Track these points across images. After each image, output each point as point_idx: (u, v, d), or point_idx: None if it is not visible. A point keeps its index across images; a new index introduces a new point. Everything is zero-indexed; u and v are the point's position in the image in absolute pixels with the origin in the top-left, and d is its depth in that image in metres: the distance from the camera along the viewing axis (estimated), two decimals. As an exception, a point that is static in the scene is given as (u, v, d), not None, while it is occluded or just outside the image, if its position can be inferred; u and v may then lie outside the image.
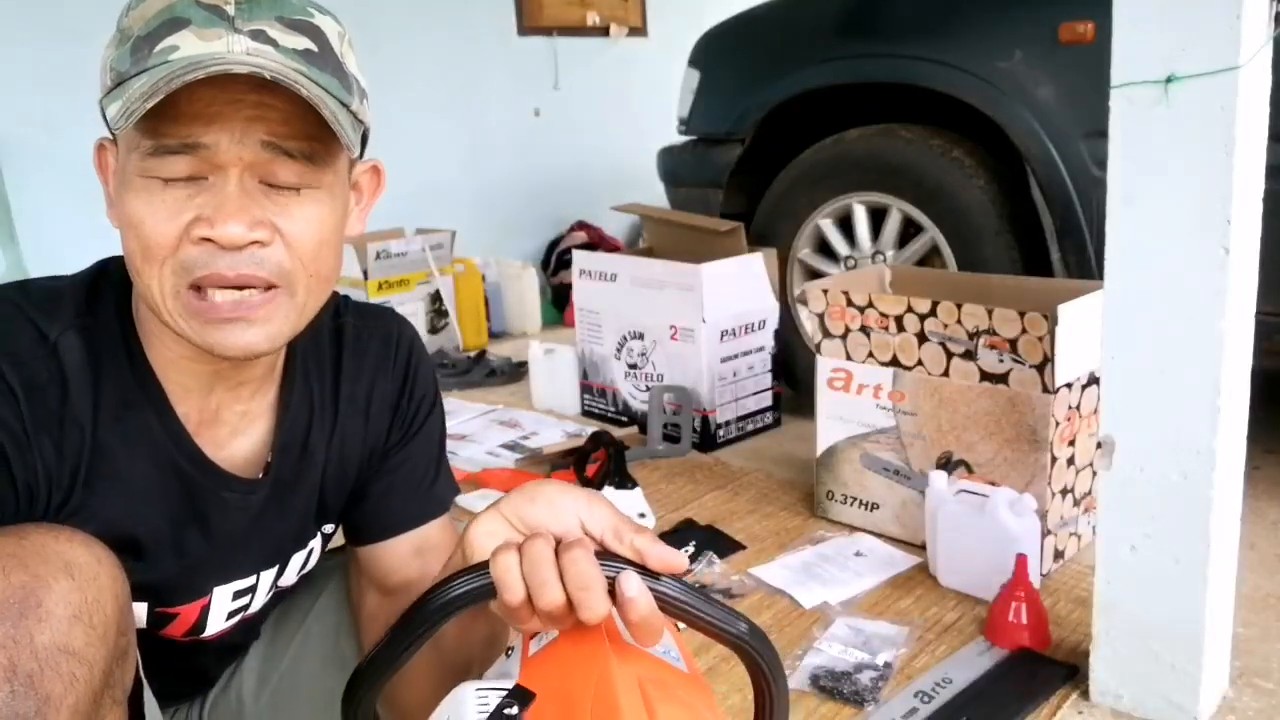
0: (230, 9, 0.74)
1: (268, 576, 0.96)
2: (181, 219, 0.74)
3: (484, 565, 0.67)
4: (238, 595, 0.94)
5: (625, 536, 0.67)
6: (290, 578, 0.99)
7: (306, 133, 0.76)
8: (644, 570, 0.66)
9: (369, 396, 0.97)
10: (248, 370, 0.86)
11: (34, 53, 3.41)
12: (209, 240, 0.74)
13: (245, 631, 1.03)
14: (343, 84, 0.79)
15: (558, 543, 0.66)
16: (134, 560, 0.82)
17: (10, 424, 0.75)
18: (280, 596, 1.01)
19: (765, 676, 0.69)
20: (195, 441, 0.86)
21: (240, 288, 0.76)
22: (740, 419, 2.74)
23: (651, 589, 0.65)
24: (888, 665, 1.62)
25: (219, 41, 0.73)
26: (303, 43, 0.77)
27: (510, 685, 0.67)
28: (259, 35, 0.75)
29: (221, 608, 0.93)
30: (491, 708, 0.65)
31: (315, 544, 1.00)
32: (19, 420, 0.76)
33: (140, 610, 0.86)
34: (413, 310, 3.81)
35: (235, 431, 0.89)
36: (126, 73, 0.74)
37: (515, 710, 0.63)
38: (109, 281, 0.85)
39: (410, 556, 0.99)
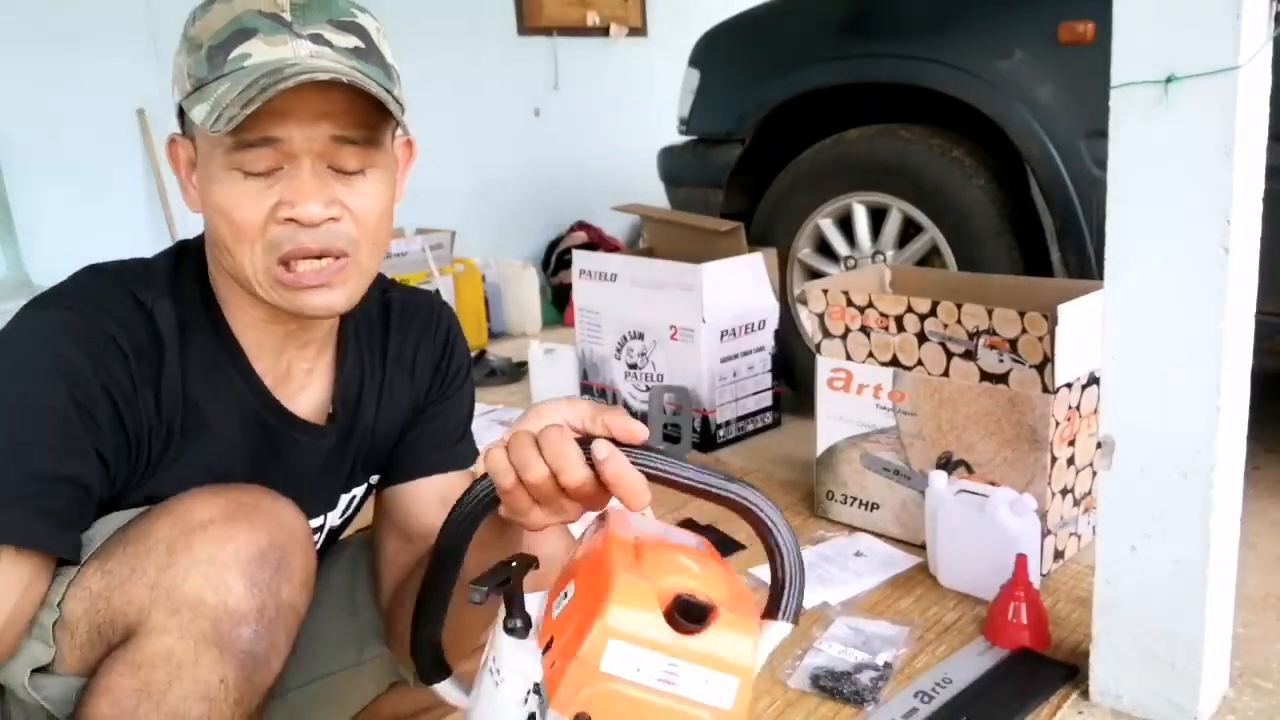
0: (287, 15, 0.86)
1: (333, 519, 1.08)
2: (266, 204, 0.87)
3: (485, 476, 0.75)
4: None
5: (596, 420, 0.75)
6: (336, 519, 1.10)
7: (364, 121, 0.88)
8: (627, 447, 0.72)
9: (414, 358, 1.10)
10: (314, 330, 1.00)
11: (34, 53, 3.41)
12: (292, 220, 0.87)
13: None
14: (386, 74, 0.91)
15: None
16: (205, 479, 0.92)
17: (122, 382, 0.88)
18: (331, 541, 1.13)
19: (760, 519, 0.72)
20: (273, 393, 0.99)
21: (319, 257, 0.89)
22: (740, 419, 2.74)
23: (634, 462, 0.71)
24: (888, 665, 1.62)
25: (285, 47, 0.85)
26: (352, 41, 0.88)
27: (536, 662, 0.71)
28: (317, 39, 0.86)
29: None
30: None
31: (360, 490, 1.11)
32: (130, 378, 0.89)
33: None
34: (413, 310, 3.81)
35: (302, 386, 1.02)
36: (205, 78, 0.85)
37: (510, 581, 0.69)
38: (190, 258, 0.98)
39: (434, 503, 1.08)
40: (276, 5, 0.86)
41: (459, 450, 1.14)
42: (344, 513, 1.13)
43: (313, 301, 0.91)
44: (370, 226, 0.92)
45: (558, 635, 0.65)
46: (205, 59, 0.85)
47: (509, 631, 0.69)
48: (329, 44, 0.87)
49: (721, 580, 0.67)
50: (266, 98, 0.81)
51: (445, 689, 0.84)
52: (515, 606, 0.69)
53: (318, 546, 1.06)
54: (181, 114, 0.90)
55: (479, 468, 0.78)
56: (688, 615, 0.60)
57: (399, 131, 0.98)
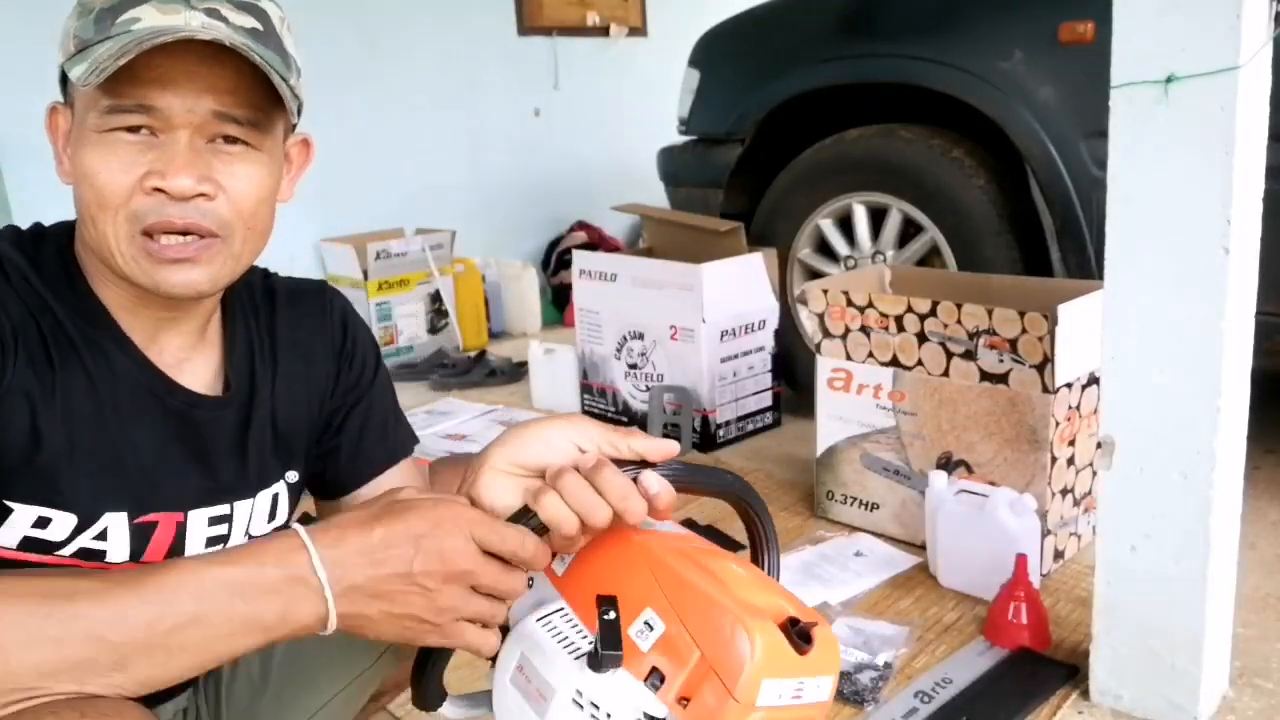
0: None
1: (242, 510, 0.99)
2: (135, 171, 0.83)
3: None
4: (214, 522, 0.97)
5: (621, 444, 0.76)
6: (261, 524, 1.02)
7: (252, 101, 0.85)
8: (650, 464, 0.76)
9: (309, 345, 1.05)
10: (188, 315, 0.94)
11: (35, 53, 3.41)
12: (160, 191, 0.83)
13: None
14: (284, 61, 0.88)
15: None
16: (111, 466, 0.88)
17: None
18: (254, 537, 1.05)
19: (752, 511, 0.83)
20: (158, 366, 0.93)
21: (185, 233, 0.85)
22: (740, 419, 2.74)
23: (664, 476, 0.75)
24: (888, 665, 1.61)
25: (177, 16, 0.82)
26: (250, 22, 0.86)
27: (561, 606, 0.76)
28: (213, 13, 0.84)
29: (199, 532, 0.96)
30: (564, 632, 0.74)
31: (280, 490, 1.04)
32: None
33: (119, 528, 0.89)
34: (413, 310, 3.81)
35: (184, 365, 0.96)
36: (90, 40, 0.82)
37: (613, 615, 0.71)
38: (49, 234, 0.93)
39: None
40: None
41: (399, 438, 1.11)
42: (270, 515, 1.04)
43: (172, 278, 0.86)
44: (246, 210, 0.88)
45: (670, 671, 0.68)
46: (93, 22, 0.82)
47: (599, 666, 0.70)
48: (225, 20, 0.84)
49: (767, 579, 0.77)
50: (142, 49, 0.78)
51: (449, 709, 0.84)
52: (610, 639, 0.70)
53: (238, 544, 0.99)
54: (65, 81, 0.86)
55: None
56: (801, 637, 0.67)
57: (295, 129, 0.95)
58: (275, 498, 1.03)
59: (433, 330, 3.87)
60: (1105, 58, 1.34)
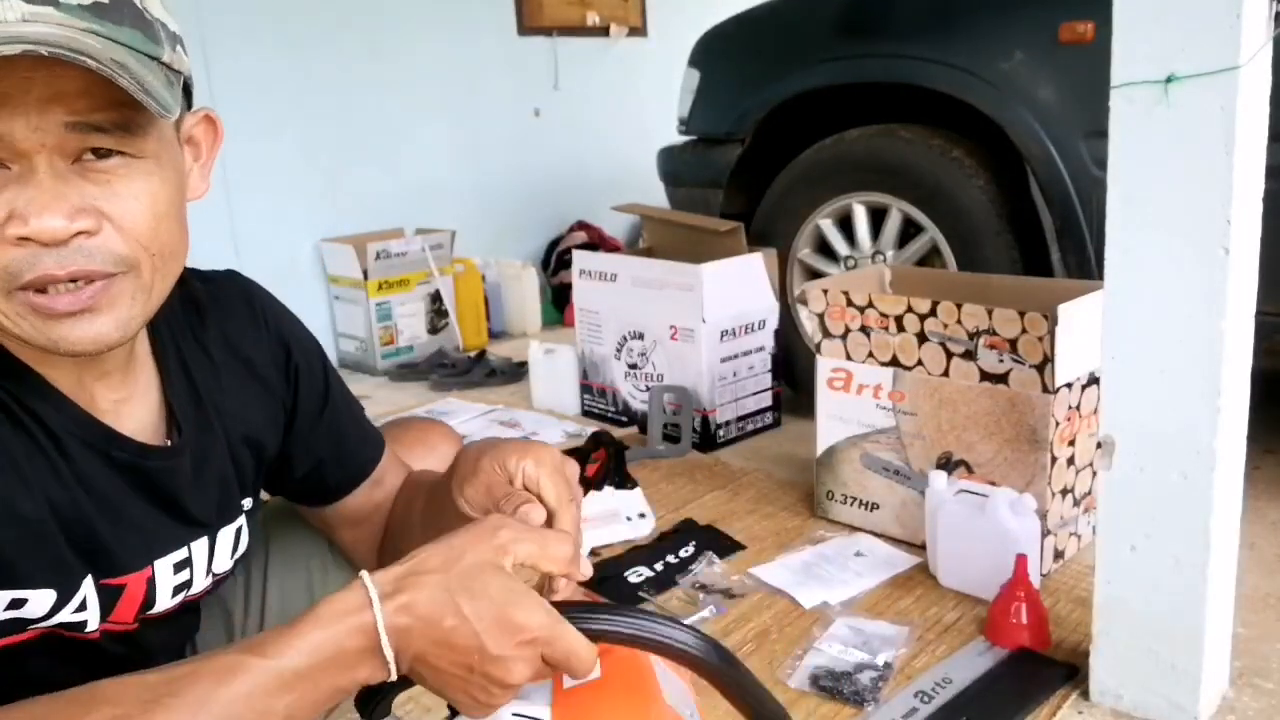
0: None
1: (200, 549, 0.93)
2: None
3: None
4: (178, 568, 0.91)
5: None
6: (224, 560, 0.97)
7: (114, 100, 0.67)
8: (596, 606, 0.73)
9: (249, 355, 0.95)
10: (108, 358, 0.80)
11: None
12: (27, 239, 0.67)
13: (190, 615, 1.02)
14: (147, 34, 0.69)
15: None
16: (77, 534, 0.80)
17: None
18: (219, 582, 1.00)
19: (718, 679, 0.73)
20: (98, 418, 0.81)
21: (74, 280, 0.69)
22: (740, 419, 2.74)
23: (592, 629, 0.71)
24: (888, 665, 1.61)
25: None
26: None
27: (545, 713, 0.72)
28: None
29: (166, 581, 0.90)
30: None
31: (242, 522, 0.98)
32: None
33: (88, 591, 0.83)
34: (413, 310, 3.81)
35: (118, 413, 0.83)
36: None
37: None
38: None
39: (370, 490, 1.06)
40: None
41: (373, 433, 1.08)
42: (234, 553, 0.97)
43: (72, 334, 0.70)
44: (143, 235, 0.71)
45: None
46: None
47: None
48: (54, 2, 0.65)
49: None
50: None
51: None
52: None
53: (202, 585, 0.95)
54: None
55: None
56: None
57: (190, 108, 0.78)
58: (238, 530, 0.98)
59: (433, 330, 3.87)
60: (1105, 58, 1.34)
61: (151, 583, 0.88)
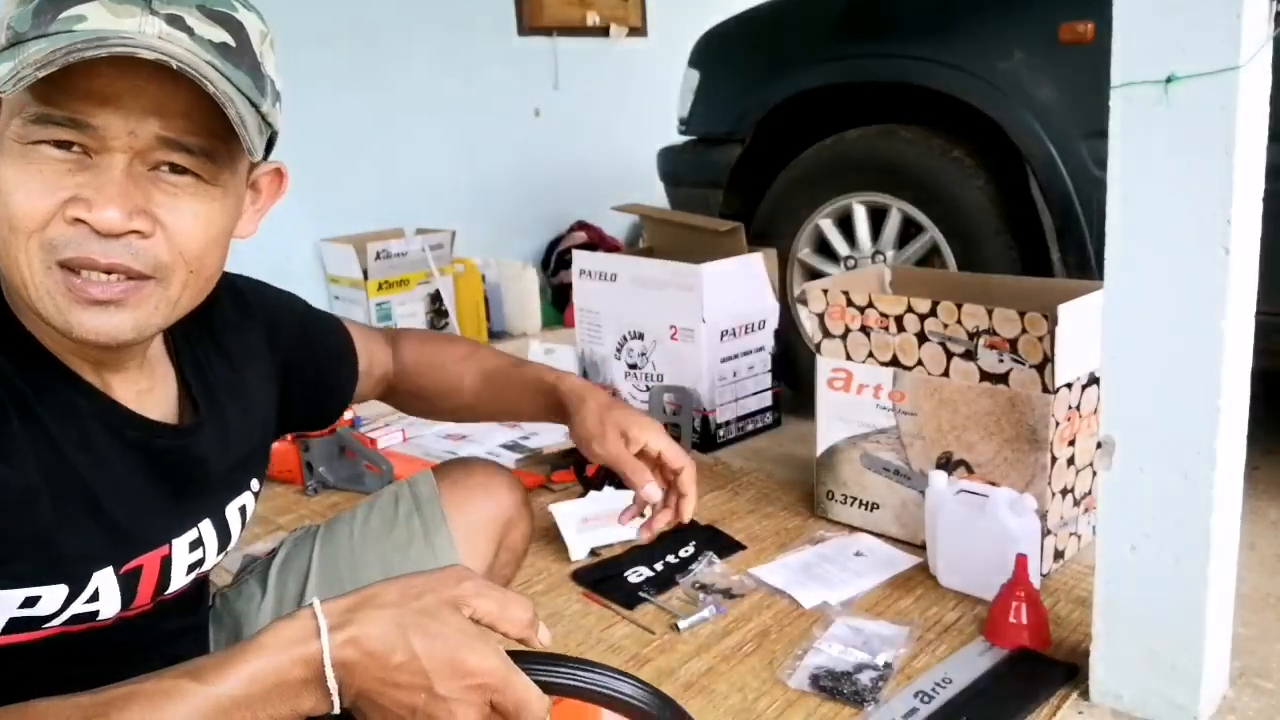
0: None
1: (209, 528, 0.96)
2: (58, 195, 0.71)
3: None
4: (193, 546, 0.94)
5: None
6: (234, 535, 1.00)
7: (208, 128, 0.74)
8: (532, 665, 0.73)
9: (246, 343, 1.02)
10: (124, 355, 0.84)
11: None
12: (82, 222, 0.71)
13: (199, 590, 1.04)
14: (256, 83, 0.77)
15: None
16: (93, 517, 0.81)
17: None
18: (224, 551, 1.02)
19: None
20: (113, 399, 0.84)
21: (109, 272, 0.74)
22: (740, 419, 2.74)
23: (547, 682, 0.72)
24: (888, 665, 1.61)
25: (130, 20, 0.70)
26: (220, 35, 0.74)
27: None
28: (175, 21, 0.72)
29: (181, 560, 0.92)
30: None
31: (247, 500, 1.02)
32: None
33: (108, 583, 0.84)
34: (413, 310, 3.81)
35: (143, 404, 0.87)
36: (25, 34, 0.70)
37: None
38: None
39: (363, 384, 1.21)
40: None
41: (346, 341, 1.19)
42: (241, 525, 1.01)
43: (89, 321, 0.74)
44: (189, 253, 0.76)
45: None
46: (32, 13, 0.70)
47: None
48: (189, 30, 0.72)
49: None
50: (68, 61, 0.66)
51: None
52: None
53: (212, 560, 0.97)
54: None
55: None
56: None
57: (267, 158, 0.84)
58: (242, 509, 1.01)
59: (433, 330, 3.87)
60: (1105, 58, 1.34)
61: (167, 561, 0.90)
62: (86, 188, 0.71)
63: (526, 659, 0.71)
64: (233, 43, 0.75)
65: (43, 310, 0.74)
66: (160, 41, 0.70)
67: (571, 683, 0.71)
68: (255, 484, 1.03)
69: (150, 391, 0.88)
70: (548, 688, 0.70)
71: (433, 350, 1.27)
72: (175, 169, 0.74)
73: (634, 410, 1.14)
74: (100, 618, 0.84)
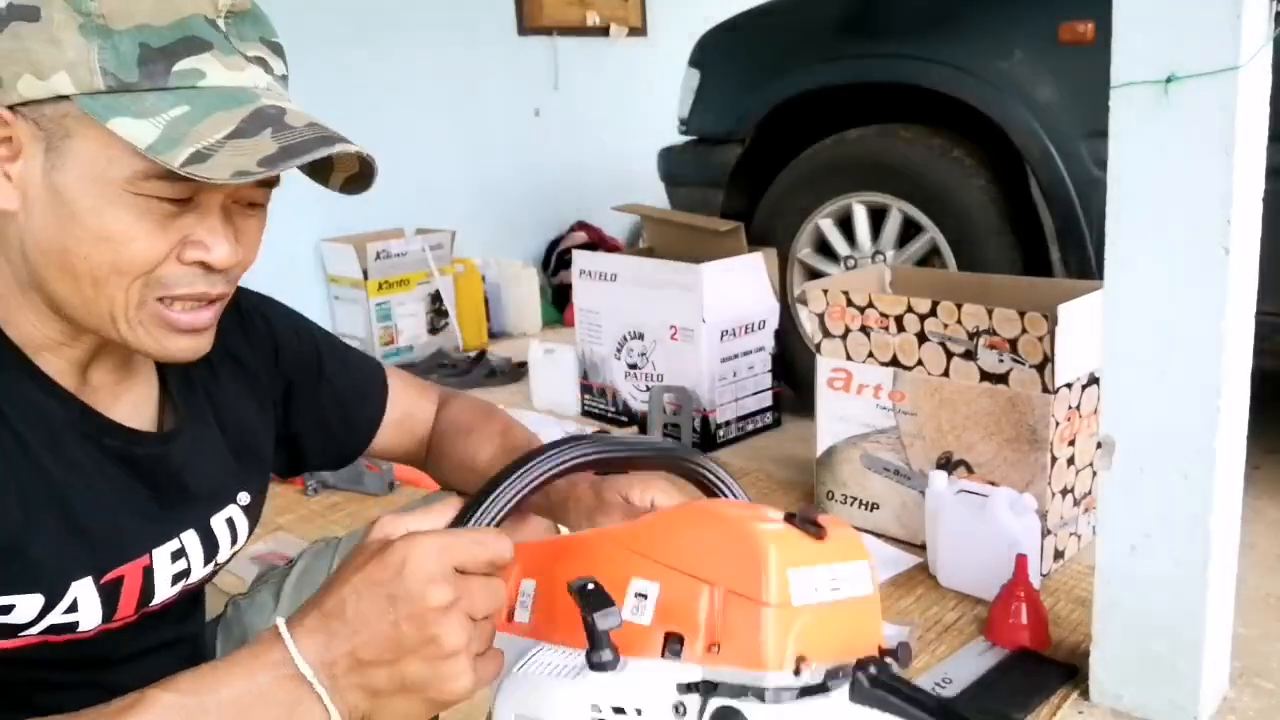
0: (221, 23, 0.73)
1: (192, 538, 0.93)
2: (169, 238, 0.75)
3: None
4: (175, 557, 0.91)
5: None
6: (224, 549, 0.97)
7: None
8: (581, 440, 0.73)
9: (238, 354, 1.00)
10: (109, 346, 0.84)
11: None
12: (202, 264, 0.76)
13: (192, 605, 1.01)
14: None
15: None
16: (69, 527, 0.80)
17: None
18: (216, 570, 0.99)
19: (703, 476, 0.78)
20: (91, 405, 0.84)
21: (201, 299, 0.79)
22: (740, 419, 2.74)
23: (484, 510, 0.69)
24: (888, 665, 1.61)
25: (242, 73, 0.74)
26: (281, 67, 0.78)
27: (538, 647, 0.67)
28: (260, 63, 0.75)
29: (164, 570, 0.90)
30: (552, 662, 0.65)
31: (234, 513, 0.97)
32: None
33: (88, 594, 0.82)
34: (413, 310, 3.81)
35: (119, 403, 0.87)
36: (134, 84, 0.70)
37: (591, 585, 0.60)
38: None
39: (397, 433, 1.12)
40: (215, 7, 0.73)
41: (372, 382, 1.11)
42: (232, 544, 0.98)
43: (187, 347, 0.80)
44: (250, 262, 0.83)
45: (686, 626, 0.58)
46: (136, 60, 0.70)
47: (600, 667, 0.59)
48: (269, 69, 0.76)
49: (739, 501, 0.77)
50: (301, 163, 0.71)
51: None
52: (597, 601, 0.59)
53: (200, 574, 0.94)
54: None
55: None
56: (809, 524, 0.59)
57: None
58: (230, 521, 0.97)
59: (433, 330, 3.87)
60: (1105, 58, 1.34)
61: (149, 572, 0.88)
62: (196, 229, 0.76)
63: (462, 515, 0.68)
64: (286, 73, 0.79)
65: (131, 339, 0.78)
66: (279, 100, 0.75)
67: (507, 490, 0.69)
68: (245, 498, 0.99)
69: (129, 389, 0.88)
70: (493, 514, 0.68)
71: (470, 417, 1.16)
72: (253, 205, 0.80)
73: (634, 475, 0.93)
74: (81, 629, 0.83)
